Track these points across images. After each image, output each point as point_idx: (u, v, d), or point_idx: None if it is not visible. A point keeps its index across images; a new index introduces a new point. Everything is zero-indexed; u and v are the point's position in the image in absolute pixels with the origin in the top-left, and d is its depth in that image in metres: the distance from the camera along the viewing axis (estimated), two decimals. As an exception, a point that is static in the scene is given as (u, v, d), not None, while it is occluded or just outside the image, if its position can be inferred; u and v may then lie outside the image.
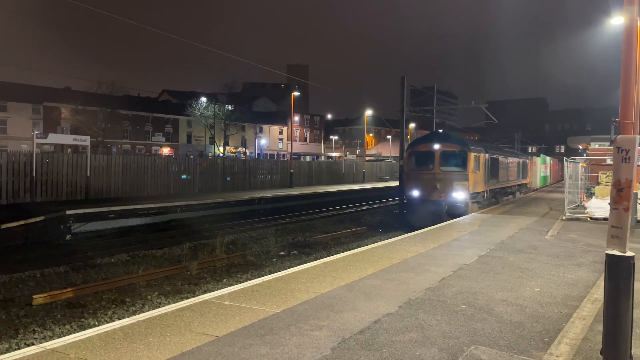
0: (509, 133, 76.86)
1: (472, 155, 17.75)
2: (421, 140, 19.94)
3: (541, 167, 38.16)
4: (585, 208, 18.91)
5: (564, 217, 16.44)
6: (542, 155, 42.97)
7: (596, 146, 29.55)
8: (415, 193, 18.36)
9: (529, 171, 31.42)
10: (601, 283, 6.25)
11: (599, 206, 18.19)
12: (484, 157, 19.17)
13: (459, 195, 17.38)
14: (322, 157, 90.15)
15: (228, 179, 28.74)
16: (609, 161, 22.46)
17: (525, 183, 30.49)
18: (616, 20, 14.47)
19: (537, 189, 35.22)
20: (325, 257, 9.39)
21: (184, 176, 25.93)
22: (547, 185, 42.31)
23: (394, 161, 53.67)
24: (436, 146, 18.18)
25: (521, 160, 28.67)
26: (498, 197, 22.67)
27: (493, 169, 20.81)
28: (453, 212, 16.99)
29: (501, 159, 22.70)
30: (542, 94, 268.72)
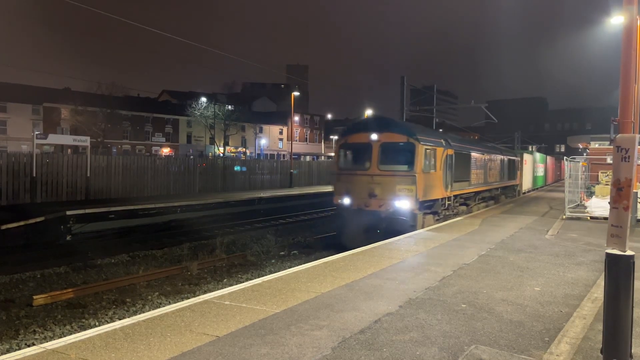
0: (508, 133, 76.92)
1: (421, 148, 13.33)
2: (355, 128, 15.07)
3: (534, 166, 34.81)
4: (585, 207, 18.92)
5: (564, 217, 16.44)
6: (535, 152, 39.63)
7: (596, 145, 29.55)
8: (347, 201, 13.82)
9: (519, 171, 28.19)
10: (601, 282, 6.25)
11: (599, 205, 18.20)
12: (444, 152, 14.88)
13: (403, 204, 13.01)
14: (322, 157, 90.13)
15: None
16: (609, 160, 22.45)
17: (514, 185, 27.16)
18: (616, 20, 14.49)
19: (530, 191, 32.06)
20: (325, 257, 9.39)
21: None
22: (542, 187, 39.00)
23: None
24: (374, 136, 13.66)
25: (506, 158, 24.73)
26: (470, 203, 18.81)
27: (461, 167, 16.56)
28: (394, 228, 12.78)
29: (474, 155, 18.53)
30: (542, 93, 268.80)
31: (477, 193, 19.52)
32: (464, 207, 17.81)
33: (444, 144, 15.10)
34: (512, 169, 26.19)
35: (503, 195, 24.72)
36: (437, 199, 14.58)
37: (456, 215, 16.60)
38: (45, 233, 15.49)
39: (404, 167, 13.41)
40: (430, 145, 13.95)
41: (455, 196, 16.32)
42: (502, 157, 23.86)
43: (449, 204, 15.63)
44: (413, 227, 13.03)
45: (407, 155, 13.37)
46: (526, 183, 31.22)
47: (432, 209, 14.45)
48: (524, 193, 30.02)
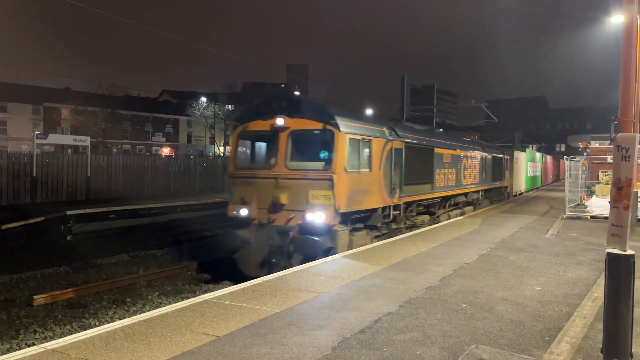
0: (509, 132, 76.94)
1: (343, 138, 9.52)
2: (256, 111, 10.62)
3: (528, 165, 31.85)
4: (585, 207, 18.91)
5: (564, 216, 16.44)
6: (528, 150, 36.70)
7: (596, 145, 29.52)
8: (244, 212, 10.15)
9: (507, 170, 25.33)
10: (602, 281, 6.25)
11: (600, 205, 18.18)
12: (388, 144, 11.18)
13: (317, 216, 9.33)
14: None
15: None
16: (609, 159, 22.44)
17: (500, 187, 23.86)
18: (616, 19, 14.50)
19: (522, 193, 29.36)
20: (325, 256, 9.38)
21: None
22: (537, 188, 36.48)
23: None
24: (280, 121, 9.87)
25: (490, 155, 21.37)
26: (437, 211, 15.55)
27: (418, 166, 13.02)
28: (303, 252, 9.28)
29: (440, 150, 14.76)
30: (543, 92, 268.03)
31: (445, 198, 15.97)
32: (425, 217, 14.37)
33: (387, 134, 11.27)
34: (499, 169, 22.97)
35: (487, 200, 21.65)
36: (376, 209, 10.89)
37: (412, 228, 13.18)
38: (46, 233, 15.50)
39: (319, 165, 9.70)
40: (360, 134, 10.12)
41: (409, 203, 12.74)
42: (484, 154, 20.33)
43: (396, 215, 11.81)
44: (330, 251, 9.35)
45: (323, 148, 9.79)
46: (518, 184, 28.26)
47: (366, 222, 10.88)
48: (515, 196, 27.25)
